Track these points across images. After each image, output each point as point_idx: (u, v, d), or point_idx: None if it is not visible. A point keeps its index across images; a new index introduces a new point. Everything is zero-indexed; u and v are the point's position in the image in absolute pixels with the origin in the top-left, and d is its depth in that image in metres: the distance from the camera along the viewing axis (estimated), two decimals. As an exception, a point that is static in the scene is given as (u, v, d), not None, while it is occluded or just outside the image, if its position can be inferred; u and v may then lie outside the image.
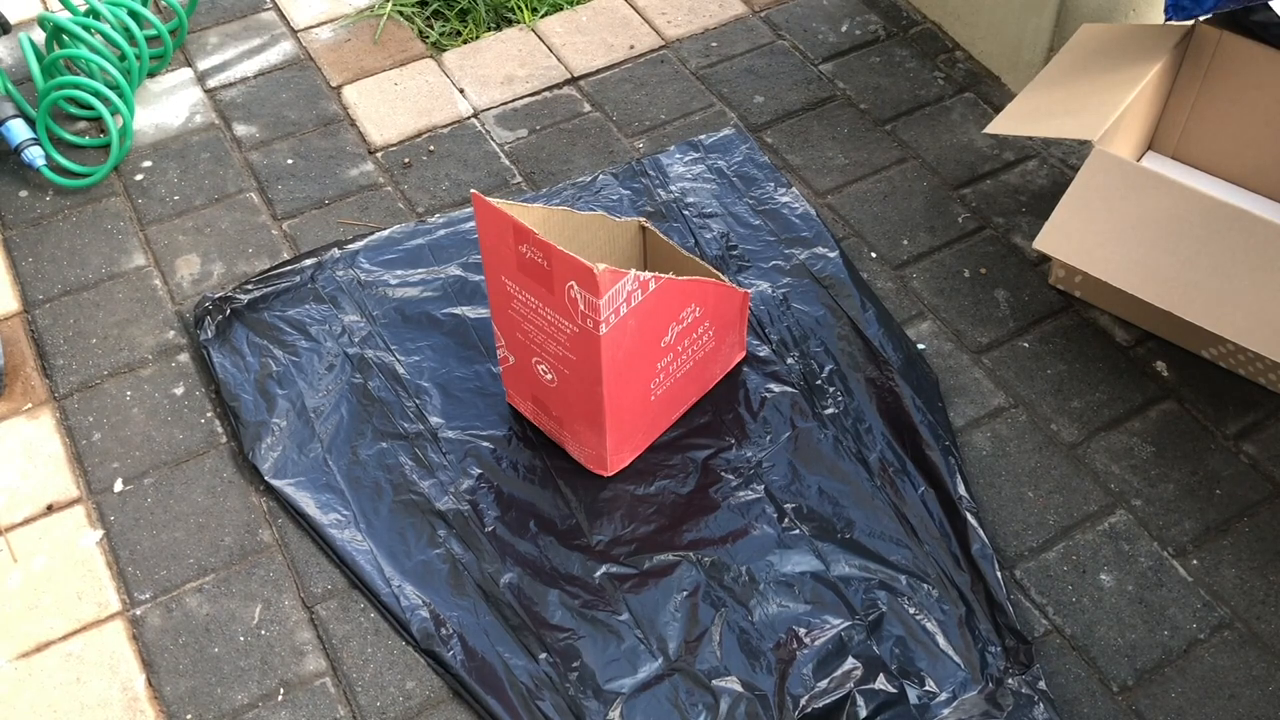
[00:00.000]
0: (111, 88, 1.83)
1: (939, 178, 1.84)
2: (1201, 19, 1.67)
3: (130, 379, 1.60)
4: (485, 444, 1.51)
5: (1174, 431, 1.53)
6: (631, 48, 2.06)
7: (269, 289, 1.67)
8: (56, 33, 1.87)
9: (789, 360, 1.59)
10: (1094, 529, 1.44)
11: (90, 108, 1.89)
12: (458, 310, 1.65)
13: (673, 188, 1.81)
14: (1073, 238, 1.55)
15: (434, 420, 1.53)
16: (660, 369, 1.41)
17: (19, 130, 1.80)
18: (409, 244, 1.73)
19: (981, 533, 1.39)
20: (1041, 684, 1.29)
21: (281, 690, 1.32)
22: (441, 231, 1.75)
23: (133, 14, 1.92)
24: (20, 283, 1.71)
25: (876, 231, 1.77)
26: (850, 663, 1.31)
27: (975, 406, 1.56)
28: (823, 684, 1.29)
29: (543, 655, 1.32)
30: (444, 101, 1.97)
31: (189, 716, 1.30)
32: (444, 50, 2.07)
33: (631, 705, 1.28)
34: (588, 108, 1.96)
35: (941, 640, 1.33)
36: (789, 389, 1.55)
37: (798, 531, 1.42)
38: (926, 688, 1.29)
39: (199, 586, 1.40)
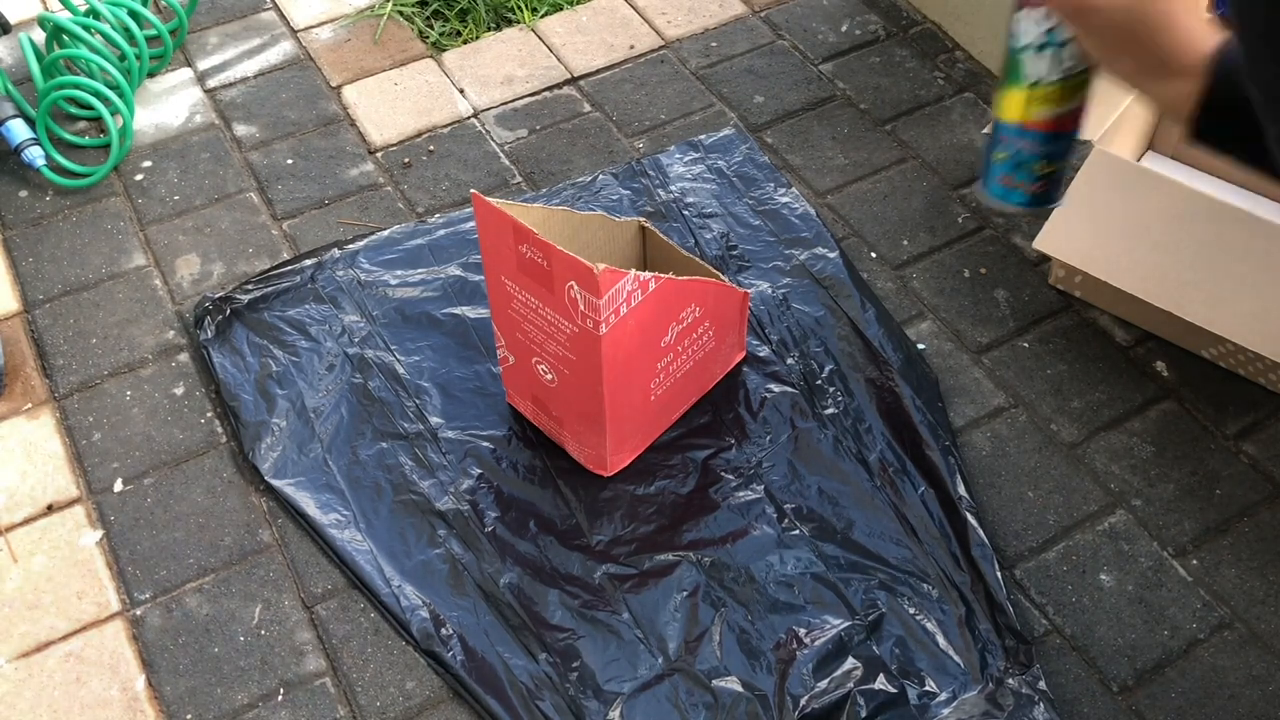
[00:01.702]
0: (111, 88, 1.83)
1: (939, 178, 1.84)
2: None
3: (130, 379, 1.60)
4: (485, 444, 1.51)
5: (1174, 431, 1.53)
6: (631, 48, 2.06)
7: (269, 289, 1.67)
8: (56, 33, 1.87)
9: (789, 360, 1.59)
10: (1094, 529, 1.44)
11: (90, 108, 1.89)
12: (458, 310, 1.65)
13: (673, 188, 1.81)
14: (1073, 238, 1.55)
15: (434, 420, 1.53)
16: (660, 369, 1.41)
17: (19, 130, 1.80)
18: (409, 244, 1.73)
19: (981, 533, 1.39)
20: (1041, 684, 1.29)
21: (281, 690, 1.32)
22: (441, 231, 1.75)
23: (133, 14, 1.91)
24: (20, 283, 1.71)
25: (876, 231, 1.77)
26: (850, 663, 1.31)
27: (975, 406, 1.56)
28: (823, 684, 1.29)
29: (543, 655, 1.32)
30: (444, 101, 1.97)
31: (189, 716, 1.30)
32: (444, 50, 2.07)
33: (631, 705, 1.28)
34: (588, 108, 1.96)
35: (941, 640, 1.33)
36: (789, 389, 1.55)
37: (798, 531, 1.42)
38: (926, 688, 1.29)
39: (199, 586, 1.40)
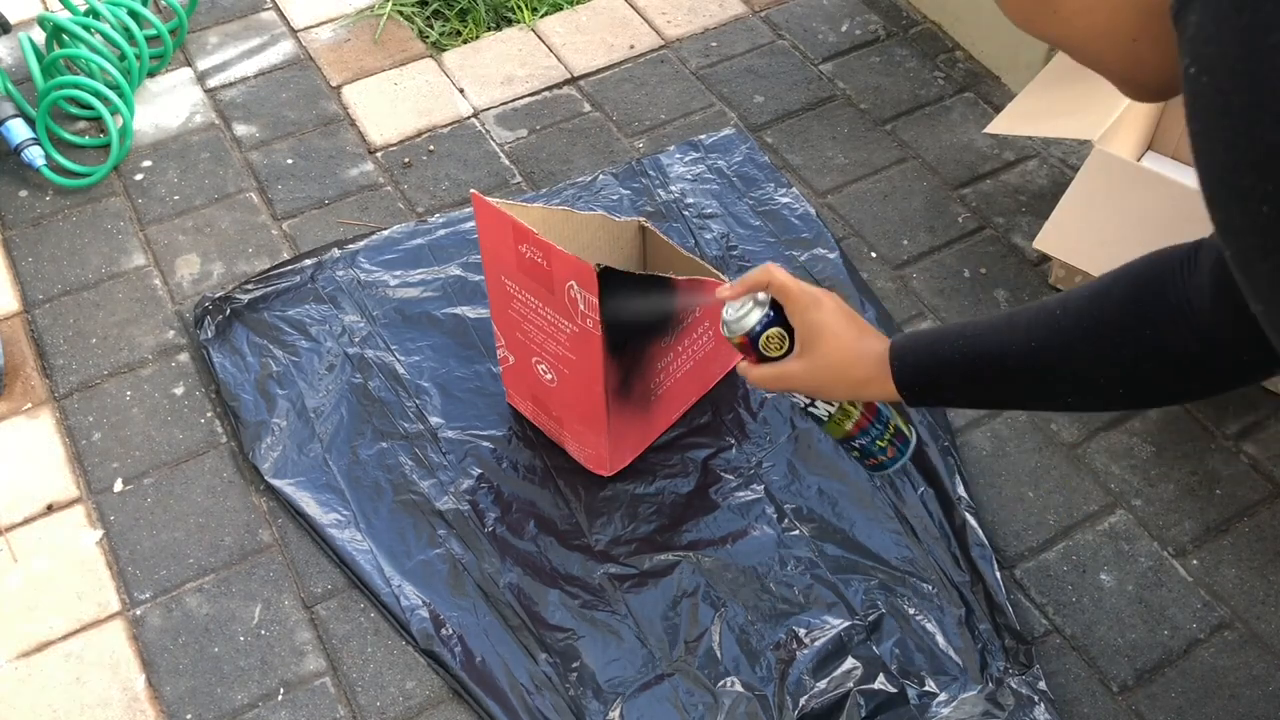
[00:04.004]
0: (111, 88, 1.83)
1: (939, 178, 1.84)
2: None
3: (130, 379, 1.60)
4: (485, 444, 1.51)
5: (1174, 431, 1.53)
6: (631, 48, 2.06)
7: (269, 289, 1.67)
8: (56, 33, 1.87)
9: (789, 360, 1.58)
10: (1094, 529, 1.44)
11: (90, 108, 1.89)
12: (458, 310, 1.65)
13: (673, 188, 1.81)
14: (1073, 238, 1.55)
15: (434, 420, 1.53)
16: (660, 369, 1.41)
17: (19, 130, 1.80)
18: (409, 244, 1.73)
19: (981, 533, 1.39)
20: (1041, 684, 1.29)
21: (281, 690, 1.32)
22: (441, 231, 1.75)
23: (133, 14, 1.92)
24: (20, 283, 1.71)
25: (876, 231, 1.77)
26: (850, 663, 1.30)
27: (975, 406, 1.56)
28: (822, 684, 1.29)
29: (543, 655, 1.32)
30: (444, 101, 1.97)
31: (189, 716, 1.30)
32: (444, 50, 2.07)
33: (631, 705, 1.28)
34: (588, 108, 1.96)
35: (941, 640, 1.33)
36: (789, 389, 1.55)
37: (798, 531, 1.42)
38: (926, 688, 1.29)
39: (199, 586, 1.40)
